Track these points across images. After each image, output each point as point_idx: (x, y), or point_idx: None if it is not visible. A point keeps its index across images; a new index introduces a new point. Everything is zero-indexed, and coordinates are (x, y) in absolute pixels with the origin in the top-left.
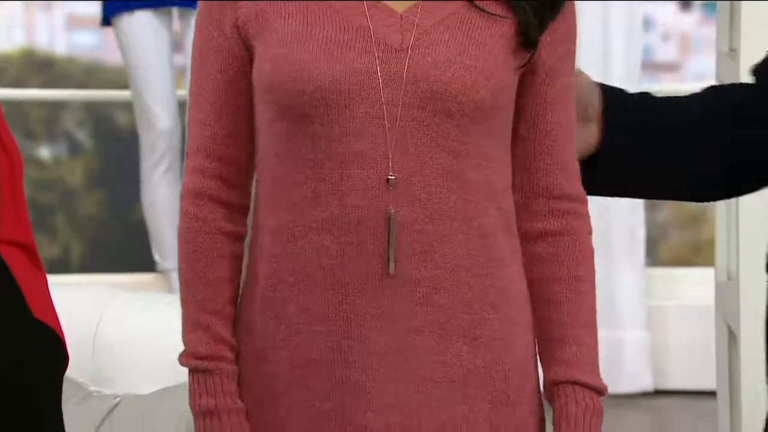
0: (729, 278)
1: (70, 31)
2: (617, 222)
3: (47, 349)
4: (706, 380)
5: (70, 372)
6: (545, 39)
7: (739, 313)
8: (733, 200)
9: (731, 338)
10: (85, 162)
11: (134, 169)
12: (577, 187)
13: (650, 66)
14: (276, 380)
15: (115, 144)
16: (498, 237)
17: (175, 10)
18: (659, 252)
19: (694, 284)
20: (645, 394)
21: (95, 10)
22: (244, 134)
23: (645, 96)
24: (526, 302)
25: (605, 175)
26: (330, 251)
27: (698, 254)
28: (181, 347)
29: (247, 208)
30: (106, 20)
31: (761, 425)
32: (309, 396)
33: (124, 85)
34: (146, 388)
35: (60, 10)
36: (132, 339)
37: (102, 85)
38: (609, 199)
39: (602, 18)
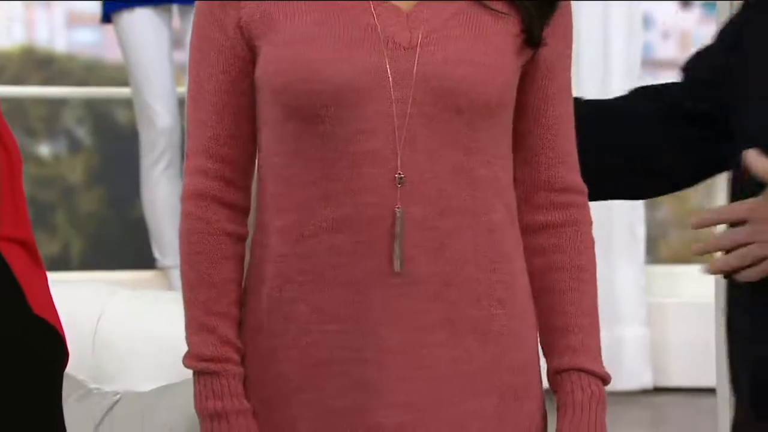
0: None
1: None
2: (618, 219)
3: (47, 346)
4: (706, 377)
5: (70, 369)
6: (545, 36)
7: None
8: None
9: None
10: (85, 159)
11: (134, 167)
12: (578, 179)
13: (650, 63)
14: (286, 380)
15: (115, 141)
16: (504, 232)
17: (175, 7)
18: (659, 249)
19: (694, 281)
20: (645, 392)
21: (95, 7)
22: (246, 135)
23: (577, 100)
24: (529, 297)
25: None
26: (341, 250)
27: None
28: (181, 345)
29: (248, 209)
30: (106, 17)
31: None
32: (322, 395)
33: (124, 83)
34: (146, 386)
35: (60, 7)
36: (132, 336)
37: (102, 82)
38: None
39: (602, 17)
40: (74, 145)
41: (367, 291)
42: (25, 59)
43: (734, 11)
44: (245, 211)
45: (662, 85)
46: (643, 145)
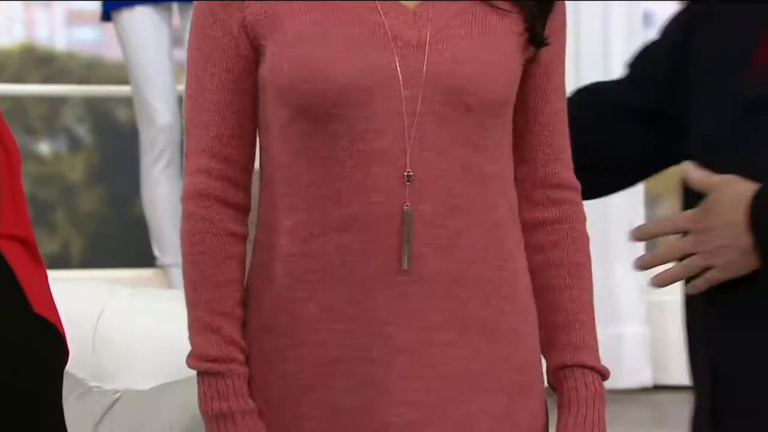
0: None
1: (70, 26)
2: (616, 217)
3: (48, 345)
4: None
5: (70, 367)
6: (546, 35)
7: None
8: None
9: None
10: (85, 157)
11: (134, 165)
12: (572, 176)
13: None
14: (294, 379)
15: (115, 139)
16: (508, 229)
17: (175, 5)
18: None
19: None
20: (644, 389)
21: (95, 5)
22: (248, 134)
23: None
24: (531, 294)
25: None
26: (351, 249)
27: None
28: (181, 343)
29: (249, 209)
30: (106, 15)
31: None
32: (330, 394)
33: (124, 81)
34: (146, 384)
35: (60, 6)
36: (132, 334)
37: (102, 80)
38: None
39: (602, 17)
40: (74, 144)
41: (376, 289)
42: (25, 57)
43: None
44: (246, 211)
45: (609, 82)
46: (594, 142)
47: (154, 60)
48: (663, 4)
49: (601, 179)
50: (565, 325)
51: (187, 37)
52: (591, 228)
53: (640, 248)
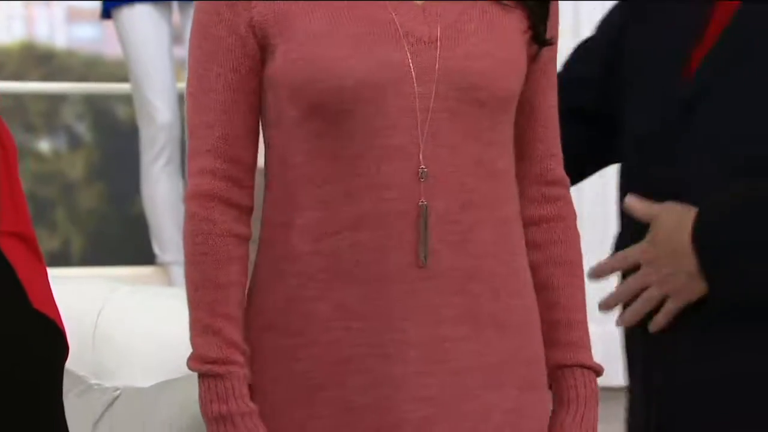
0: None
1: (70, 24)
2: (614, 214)
3: (48, 341)
4: None
5: (71, 365)
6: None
7: None
8: None
9: None
10: (84, 155)
11: (134, 163)
12: (564, 172)
13: None
14: (306, 378)
15: (115, 137)
16: (514, 224)
17: (174, 3)
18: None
19: None
20: None
21: (95, 2)
22: (253, 134)
23: None
24: (533, 289)
25: None
26: (364, 246)
27: None
28: (181, 341)
29: (252, 209)
30: (106, 13)
31: None
32: (345, 393)
33: (124, 78)
34: (146, 381)
35: (60, 3)
36: (132, 332)
37: (102, 78)
38: (606, 190)
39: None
40: (74, 141)
41: (390, 287)
42: (25, 55)
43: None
44: (250, 212)
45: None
46: None
47: (154, 58)
48: None
49: None
50: (564, 324)
51: (187, 34)
52: (591, 226)
53: None
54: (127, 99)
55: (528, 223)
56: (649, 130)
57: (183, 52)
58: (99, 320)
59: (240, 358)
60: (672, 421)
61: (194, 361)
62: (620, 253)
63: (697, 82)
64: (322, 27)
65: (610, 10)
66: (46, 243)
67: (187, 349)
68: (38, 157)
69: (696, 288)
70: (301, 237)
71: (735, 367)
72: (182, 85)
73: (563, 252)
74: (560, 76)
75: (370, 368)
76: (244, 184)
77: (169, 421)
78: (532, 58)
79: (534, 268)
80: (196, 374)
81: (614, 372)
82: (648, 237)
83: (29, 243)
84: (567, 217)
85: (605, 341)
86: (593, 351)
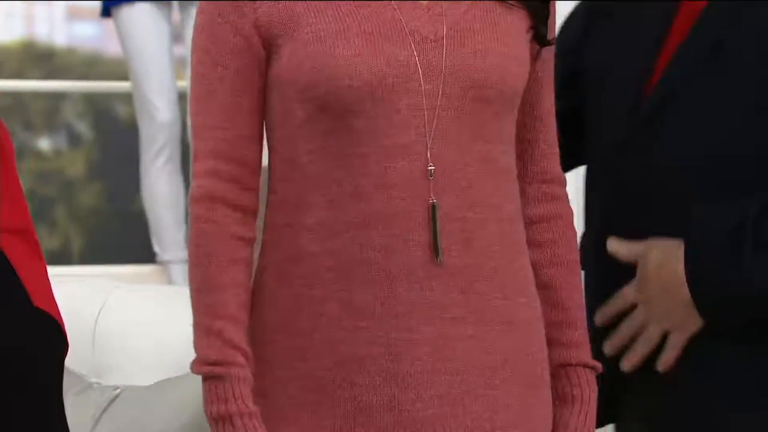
0: None
1: (70, 22)
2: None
3: (49, 338)
4: None
5: (70, 364)
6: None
7: None
8: None
9: None
10: (85, 153)
11: (134, 161)
12: (561, 171)
13: None
14: (317, 378)
15: (115, 135)
16: (517, 222)
17: (175, 2)
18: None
19: None
20: None
21: (95, 1)
22: (258, 135)
23: None
24: (535, 287)
25: None
26: (374, 245)
27: None
28: (180, 339)
29: (257, 212)
30: (106, 11)
31: None
32: (356, 392)
33: (125, 77)
34: (146, 380)
35: (60, 1)
36: (132, 331)
37: (102, 76)
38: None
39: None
40: (74, 140)
41: (398, 285)
42: (25, 53)
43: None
44: (255, 214)
45: None
46: None
47: (154, 56)
48: None
49: None
50: (566, 323)
51: (187, 33)
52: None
53: None
54: (127, 97)
55: (529, 222)
56: (614, 138)
57: (183, 50)
58: (99, 319)
59: (241, 360)
60: None
61: (197, 364)
62: (618, 295)
63: (663, 88)
64: (329, 26)
65: (572, 11)
66: (46, 241)
67: (186, 348)
68: (38, 155)
69: (695, 321)
70: (308, 237)
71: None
72: (182, 83)
73: (564, 251)
74: None
75: (380, 367)
76: (248, 186)
77: (169, 420)
78: (533, 58)
79: (535, 268)
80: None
81: None
82: (638, 276)
83: (29, 240)
84: (565, 215)
85: None
86: None
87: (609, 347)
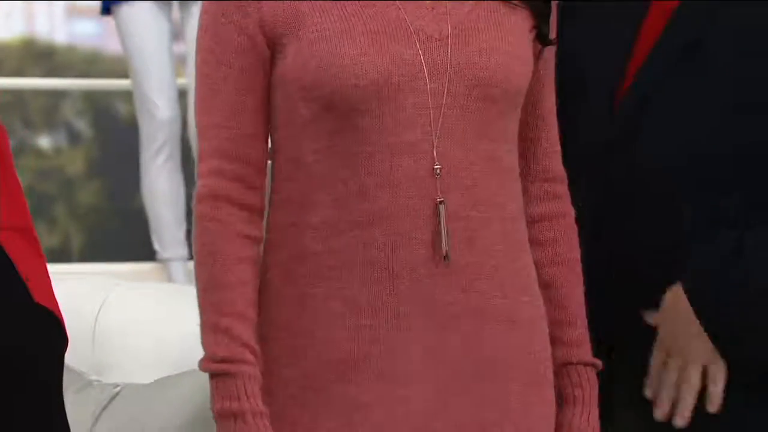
0: None
1: (70, 19)
2: None
3: (50, 334)
4: None
5: (71, 361)
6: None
7: None
8: None
9: None
10: (84, 151)
11: (134, 159)
12: (563, 169)
13: None
14: (318, 376)
15: (115, 133)
16: (520, 221)
17: (175, 0)
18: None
19: None
20: None
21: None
22: (262, 134)
23: None
24: (538, 285)
25: None
26: (378, 243)
27: None
28: (180, 337)
29: (263, 211)
30: (107, 9)
31: None
32: (355, 390)
33: (124, 74)
34: (146, 378)
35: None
36: (132, 328)
37: (102, 74)
38: None
39: None
40: (74, 137)
41: (401, 283)
42: (26, 51)
43: None
44: (261, 213)
45: None
46: None
47: (154, 54)
48: None
49: None
50: (568, 322)
51: (187, 31)
52: None
53: None
54: (127, 95)
55: (531, 221)
56: (592, 140)
57: (183, 48)
58: (99, 316)
59: (250, 357)
60: None
61: (205, 361)
62: (653, 374)
63: (639, 90)
64: (336, 26)
65: None
66: (46, 239)
67: (186, 346)
68: (38, 153)
69: (713, 350)
70: (312, 236)
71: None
72: (182, 81)
73: (565, 250)
74: None
75: (382, 365)
76: (255, 185)
77: (169, 417)
78: (536, 57)
79: (537, 266)
80: (196, 371)
81: None
82: (657, 344)
83: (29, 238)
84: (566, 214)
85: None
86: None
87: (659, 414)
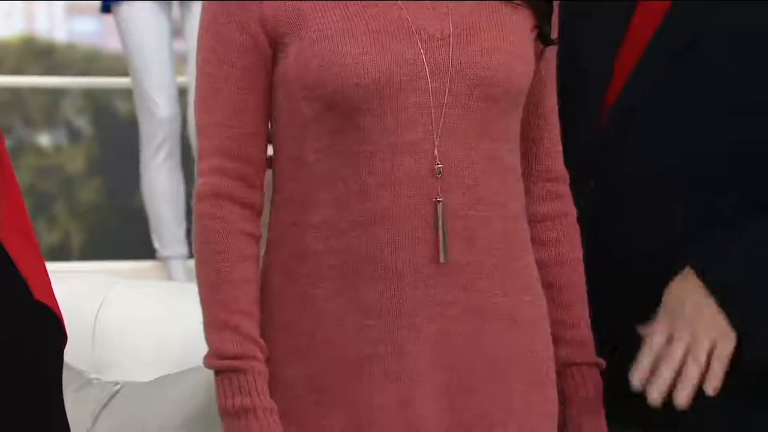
0: None
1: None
2: None
3: (50, 331)
4: None
5: (70, 360)
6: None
7: None
8: None
9: None
10: (84, 149)
11: (134, 157)
12: (565, 169)
13: None
14: (321, 377)
15: (115, 131)
16: (522, 221)
17: None
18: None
19: None
20: None
21: None
22: (264, 134)
23: None
24: (540, 285)
25: None
26: (380, 243)
27: None
28: (180, 335)
29: (262, 210)
30: (106, 8)
31: None
32: (361, 391)
33: (124, 72)
34: (146, 376)
35: None
36: (132, 327)
37: (102, 72)
38: None
39: None
40: (74, 135)
41: (404, 283)
42: (26, 49)
43: None
44: (260, 212)
45: None
46: None
47: (154, 52)
48: None
49: None
50: (571, 323)
51: (187, 29)
52: None
53: None
54: (127, 93)
55: (533, 221)
56: (585, 142)
57: (183, 46)
58: (98, 315)
59: (259, 354)
60: None
61: (211, 358)
62: (644, 348)
63: (634, 90)
64: (338, 25)
65: None
66: (46, 237)
67: (186, 344)
68: (38, 151)
69: (731, 334)
70: (313, 236)
71: None
72: (182, 79)
73: (567, 250)
74: None
75: (386, 365)
76: (254, 184)
77: (169, 416)
78: (538, 57)
79: (539, 266)
80: (196, 369)
81: None
82: (660, 315)
83: (28, 237)
84: (569, 213)
85: None
86: None
87: (656, 394)
